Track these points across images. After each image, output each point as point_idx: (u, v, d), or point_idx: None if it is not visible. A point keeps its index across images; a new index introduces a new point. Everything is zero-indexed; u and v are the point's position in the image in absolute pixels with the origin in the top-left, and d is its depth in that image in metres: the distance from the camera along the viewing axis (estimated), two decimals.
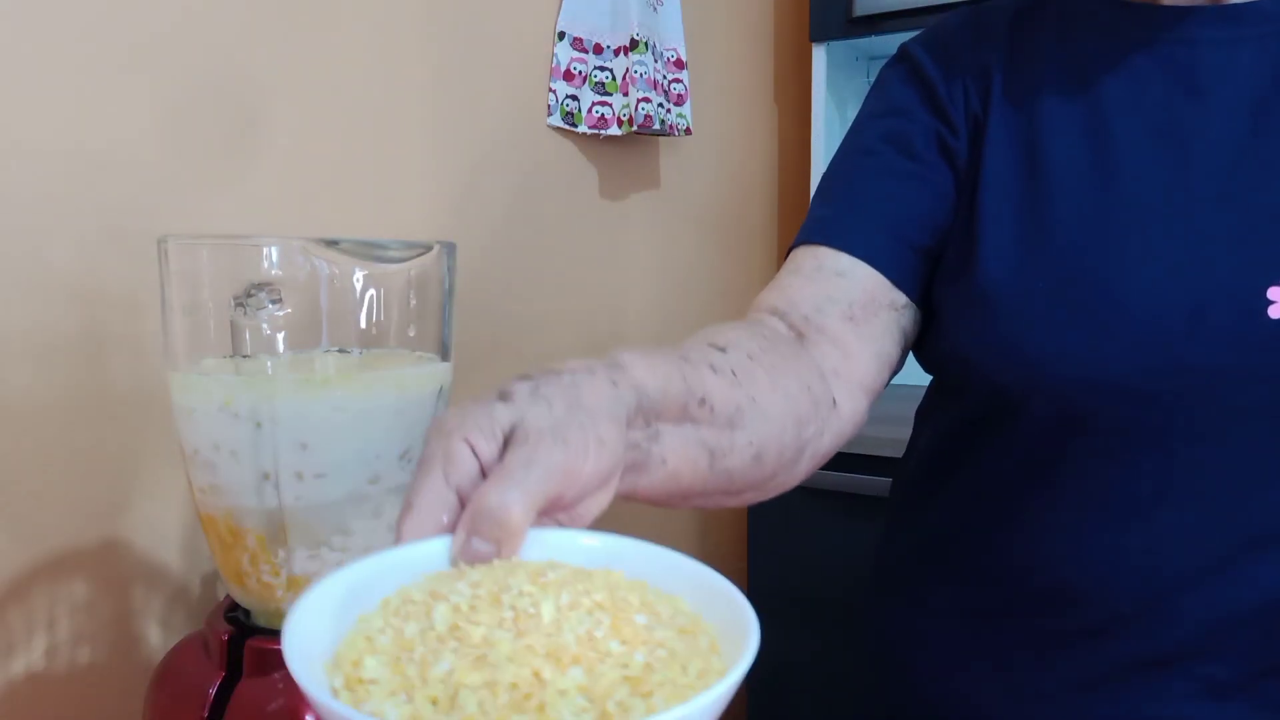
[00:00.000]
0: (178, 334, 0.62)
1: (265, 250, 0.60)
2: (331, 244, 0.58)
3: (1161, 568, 0.59)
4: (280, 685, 0.60)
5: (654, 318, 1.60)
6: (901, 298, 0.65)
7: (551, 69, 1.34)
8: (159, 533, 0.87)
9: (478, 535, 0.34)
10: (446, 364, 0.66)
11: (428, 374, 0.63)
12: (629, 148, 1.50)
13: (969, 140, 0.66)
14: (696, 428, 0.47)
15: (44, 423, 0.78)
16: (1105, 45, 0.63)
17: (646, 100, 1.37)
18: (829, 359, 0.62)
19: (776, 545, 1.63)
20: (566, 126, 1.35)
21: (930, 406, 0.76)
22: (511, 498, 0.34)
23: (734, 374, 0.51)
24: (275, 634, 0.63)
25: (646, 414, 0.44)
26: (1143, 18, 0.62)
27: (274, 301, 0.60)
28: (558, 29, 1.33)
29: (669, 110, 1.44)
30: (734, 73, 1.78)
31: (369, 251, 0.60)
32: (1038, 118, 0.63)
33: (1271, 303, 0.54)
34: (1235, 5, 0.60)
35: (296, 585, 0.61)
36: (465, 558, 0.34)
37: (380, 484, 0.62)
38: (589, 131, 1.37)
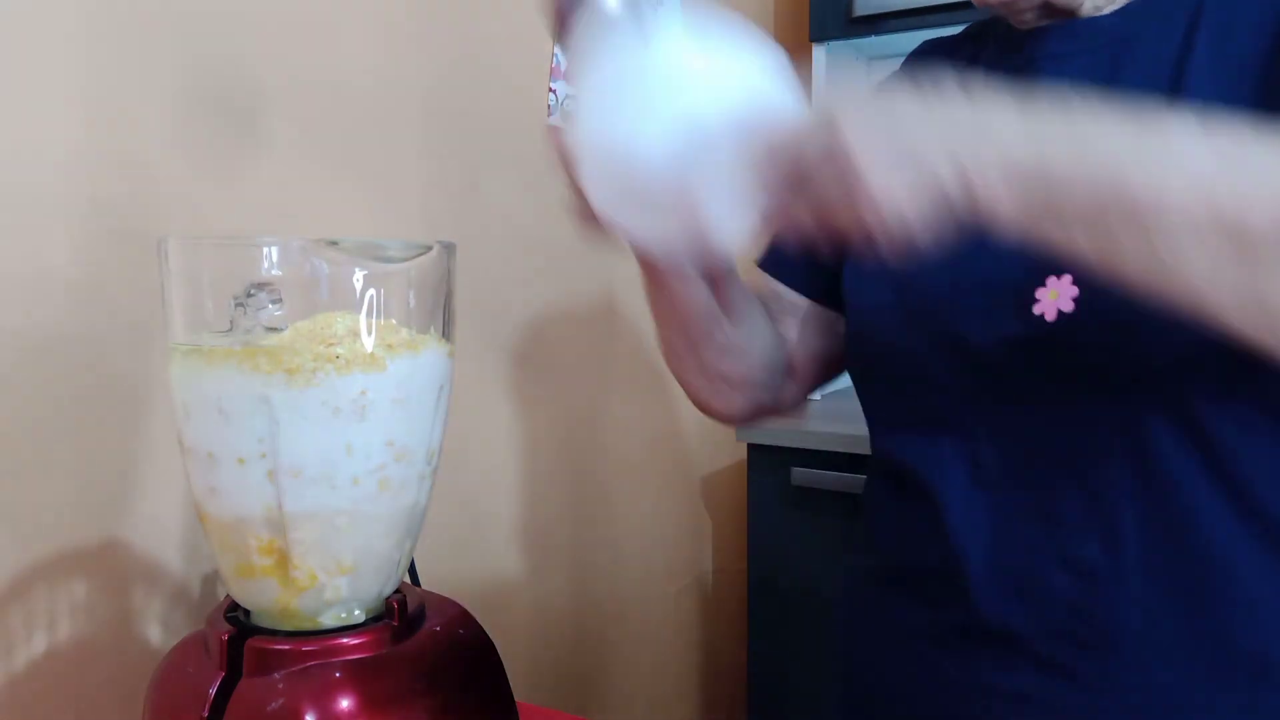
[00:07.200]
0: (178, 334, 0.62)
1: (265, 250, 0.60)
2: (331, 244, 0.58)
3: (967, 547, 0.65)
4: (280, 685, 0.60)
5: None
6: (831, 312, 0.80)
7: (552, 69, 1.34)
8: (159, 533, 0.87)
9: None
10: (447, 363, 0.66)
11: (428, 374, 0.63)
12: None
13: None
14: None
15: (44, 422, 0.78)
16: (992, 68, 0.71)
17: None
18: (788, 332, 0.81)
19: (776, 545, 1.63)
20: None
21: None
22: None
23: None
24: (276, 634, 0.63)
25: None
26: (1014, 41, 0.69)
27: (274, 301, 0.60)
28: None
29: None
30: None
31: (369, 251, 0.60)
32: None
33: (1037, 300, 0.61)
34: (1076, 22, 0.66)
35: (297, 585, 0.62)
36: None
37: (381, 481, 0.62)
38: None
